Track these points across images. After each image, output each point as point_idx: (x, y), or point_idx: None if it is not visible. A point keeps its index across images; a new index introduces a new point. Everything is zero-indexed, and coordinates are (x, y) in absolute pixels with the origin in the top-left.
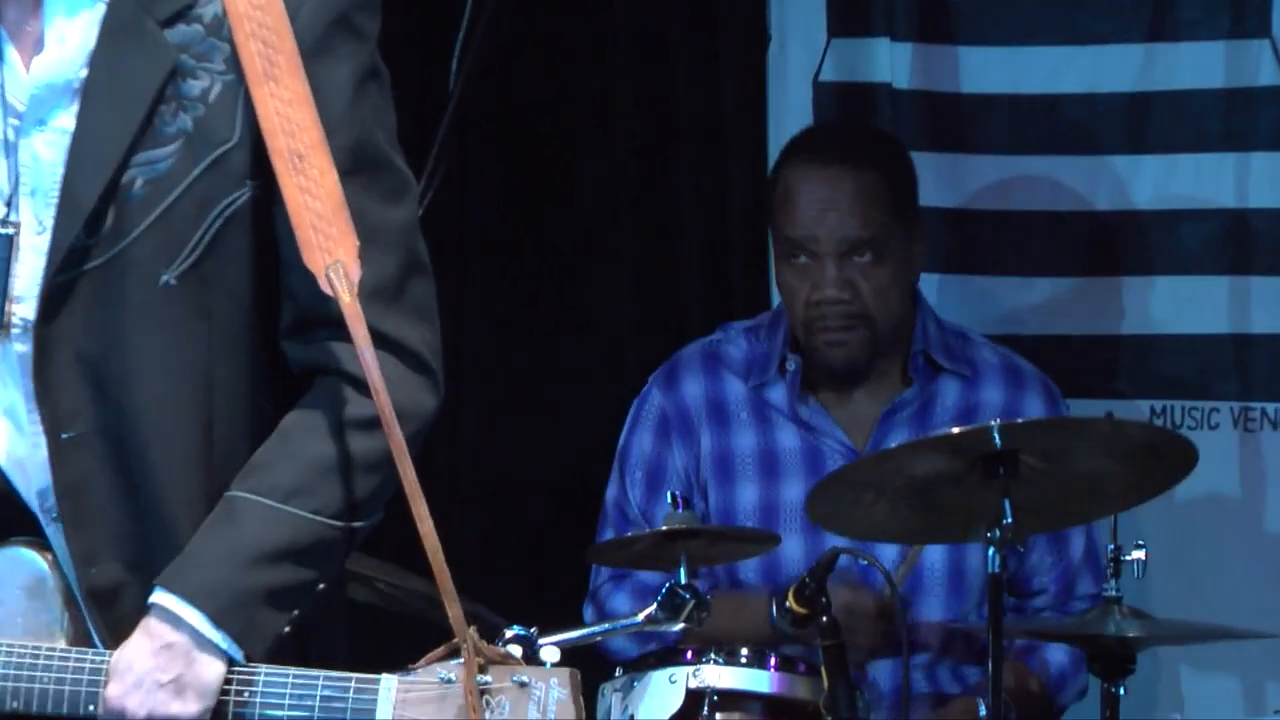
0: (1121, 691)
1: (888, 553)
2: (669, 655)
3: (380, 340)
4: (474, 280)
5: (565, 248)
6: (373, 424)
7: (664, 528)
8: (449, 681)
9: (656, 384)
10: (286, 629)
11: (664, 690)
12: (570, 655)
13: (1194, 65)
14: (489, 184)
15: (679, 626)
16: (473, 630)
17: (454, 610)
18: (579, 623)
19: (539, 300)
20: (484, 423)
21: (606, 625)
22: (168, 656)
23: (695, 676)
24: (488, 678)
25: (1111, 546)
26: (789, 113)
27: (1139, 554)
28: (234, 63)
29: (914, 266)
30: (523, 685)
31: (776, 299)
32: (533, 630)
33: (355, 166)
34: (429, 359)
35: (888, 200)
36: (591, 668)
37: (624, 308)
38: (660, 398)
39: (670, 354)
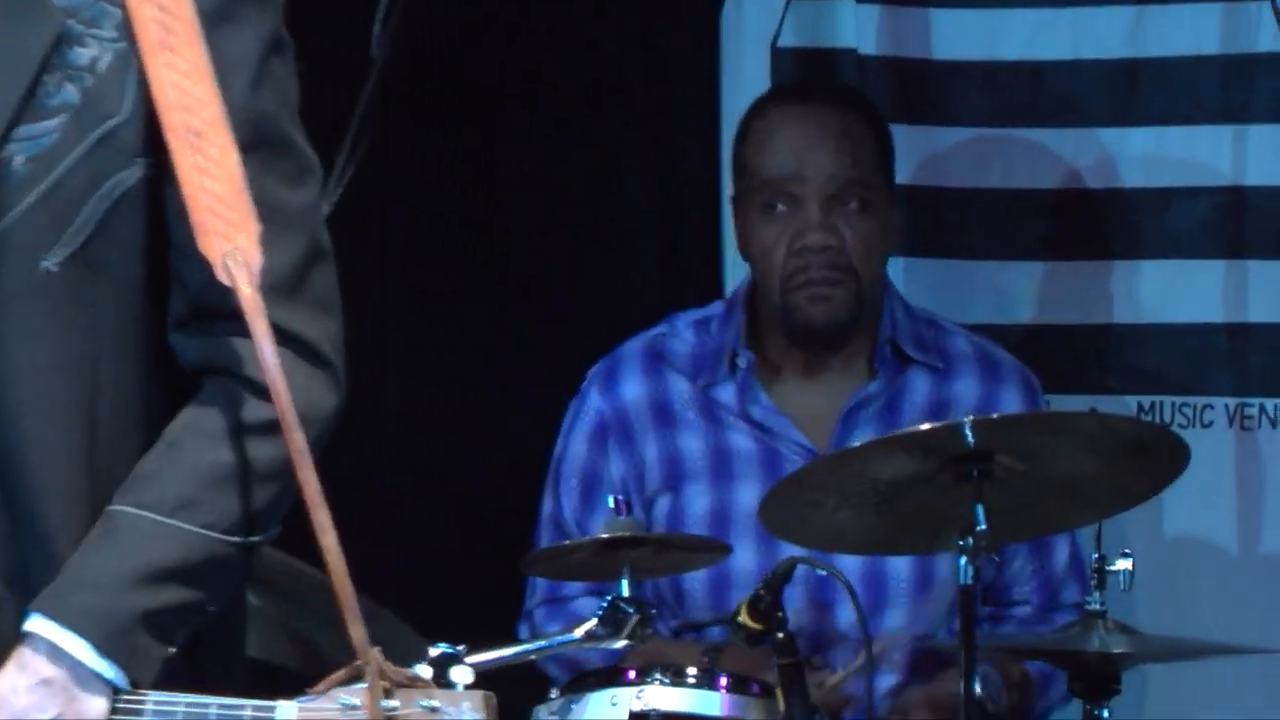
0: (1105, 714)
1: (850, 564)
2: (610, 675)
3: (279, 335)
4: (397, 264)
5: (497, 228)
6: (271, 428)
7: (604, 535)
8: (352, 707)
9: (594, 384)
10: (174, 651)
11: (604, 713)
12: (502, 676)
13: (1187, 30)
14: (414, 158)
15: (621, 643)
16: (377, 652)
17: (356, 630)
18: (513, 641)
19: (467, 288)
20: (405, 419)
21: (541, 642)
22: (45, 693)
23: (639, 698)
24: (394, 703)
25: (1095, 555)
26: (744, 81)
27: (1125, 564)
28: (126, 30)
29: (892, 237)
30: (433, 711)
31: (731, 284)
32: (460, 648)
33: (254, 145)
34: (330, 355)
35: (874, 147)
36: (525, 689)
37: (562, 293)
38: (598, 401)
39: (612, 343)
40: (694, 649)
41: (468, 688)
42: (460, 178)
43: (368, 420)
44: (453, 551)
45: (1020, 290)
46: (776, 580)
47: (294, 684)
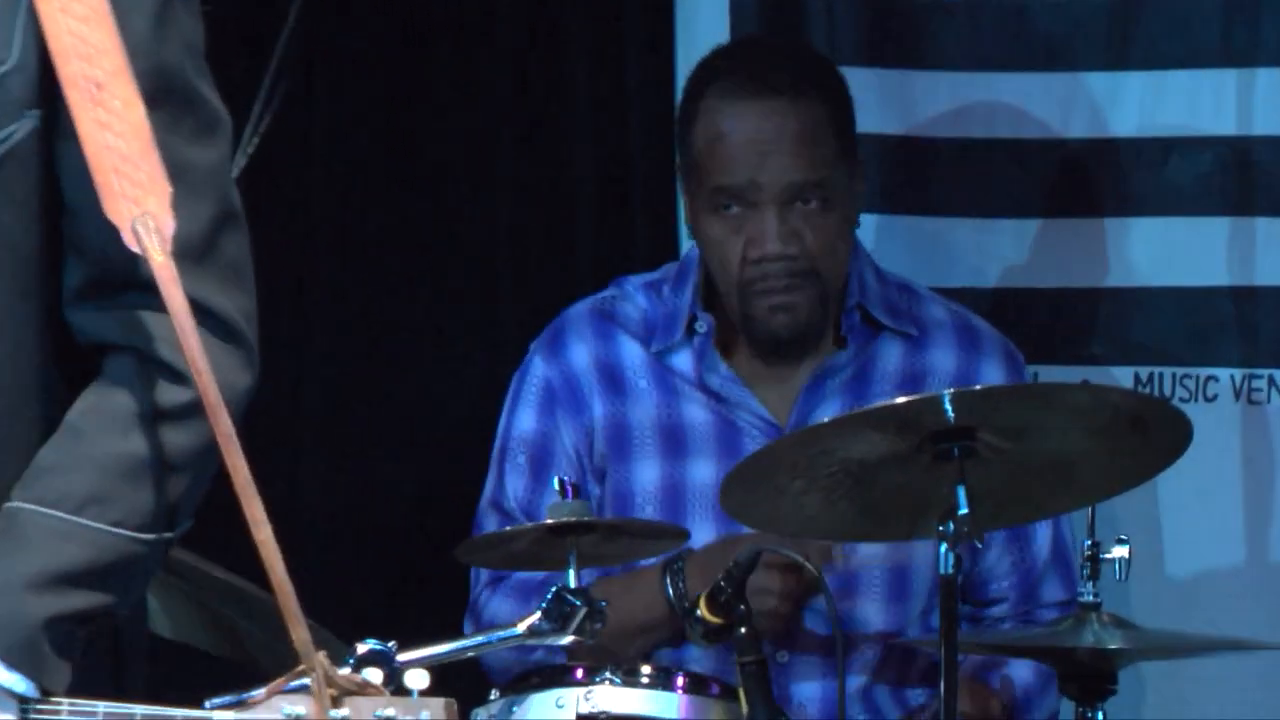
0: (1100, 716)
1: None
2: (555, 674)
3: (189, 307)
4: (319, 226)
5: (429, 186)
6: (186, 412)
7: (549, 521)
8: (296, 718)
9: (539, 352)
10: (82, 654)
11: (549, 715)
12: (443, 677)
13: None
14: (335, 108)
15: (568, 639)
16: (322, 655)
17: (298, 632)
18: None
19: (397, 251)
20: (330, 401)
21: (479, 638)
22: None
23: (587, 700)
24: (344, 711)
25: (1088, 542)
26: (700, 24)
27: (1121, 551)
28: None
29: (855, 212)
30: None
31: (685, 246)
32: (391, 645)
33: (158, 98)
34: (244, 328)
35: (834, 137)
36: (463, 690)
37: (500, 260)
38: (544, 368)
39: (557, 309)
40: (650, 575)
41: (423, 693)
42: (390, 130)
43: (287, 400)
44: (384, 541)
45: (1003, 251)
46: (740, 569)
47: (217, 671)
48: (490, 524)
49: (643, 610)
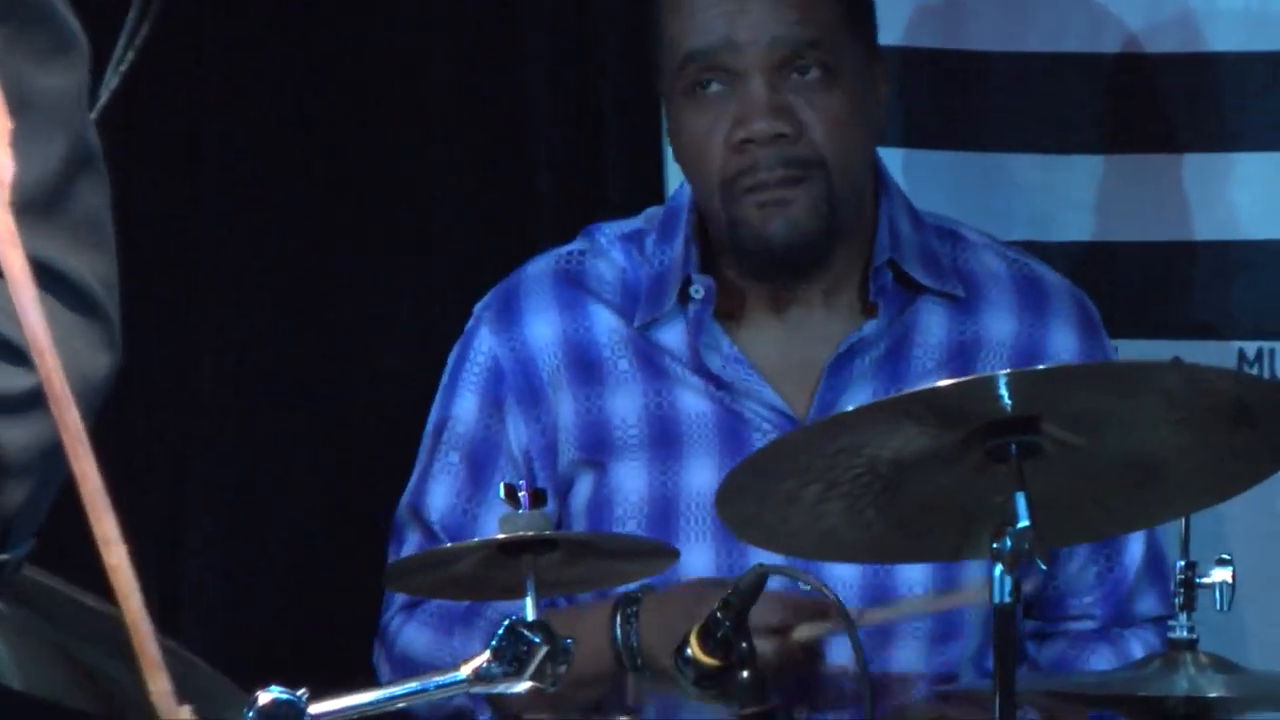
0: None
1: (843, 575)
2: None
3: (33, 270)
4: (211, 194)
5: (353, 121)
6: (24, 403)
7: (500, 536)
8: None
9: (486, 322)
10: None
11: None
12: None
13: None
14: (228, 37)
15: (523, 685)
16: (188, 712)
17: (157, 681)
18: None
19: (312, 204)
20: (225, 390)
21: (412, 685)
22: None
23: None
24: None
25: (1181, 563)
26: None
27: (1223, 574)
28: None
29: (876, 112)
30: None
31: (674, 184)
32: (300, 694)
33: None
34: (101, 298)
35: None
36: None
37: (436, 204)
38: (492, 343)
39: (509, 268)
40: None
41: None
42: (295, 80)
43: (170, 390)
44: (292, 562)
45: (1070, 196)
46: (740, 598)
47: None
48: (409, 536)
49: (591, 656)
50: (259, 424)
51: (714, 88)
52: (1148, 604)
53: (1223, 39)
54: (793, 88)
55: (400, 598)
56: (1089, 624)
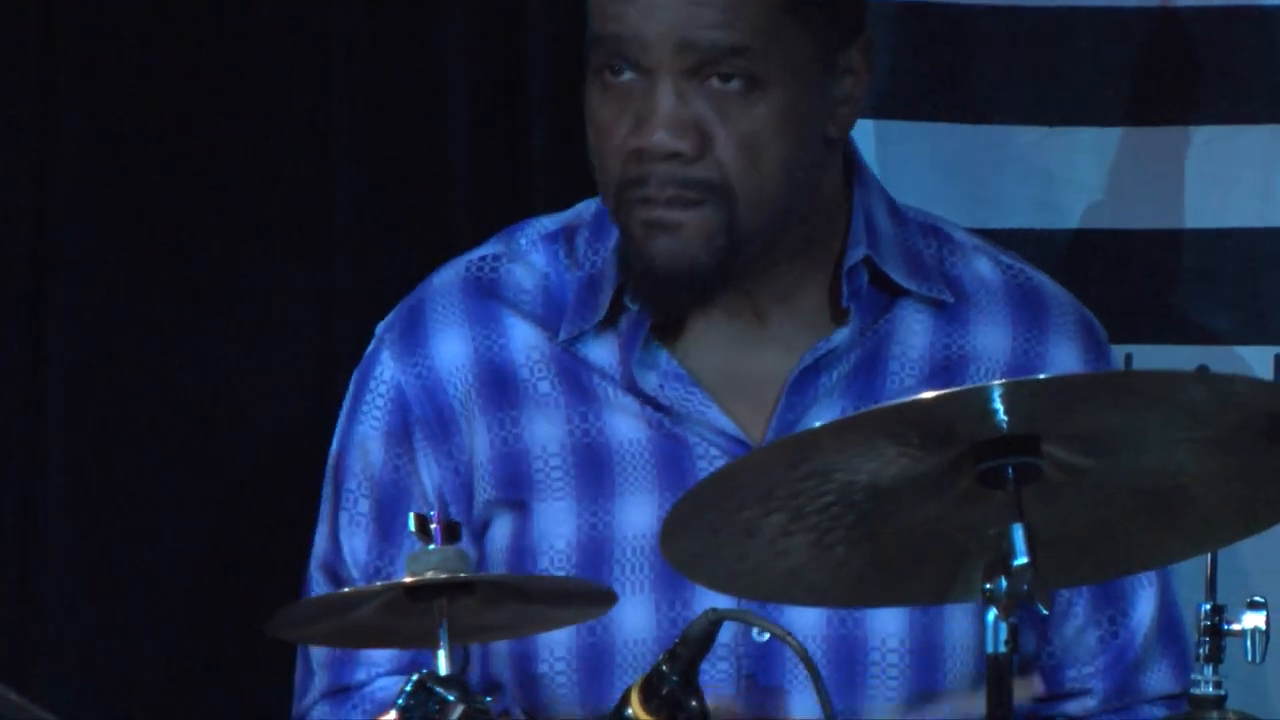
0: None
1: (809, 621)
2: None
3: None
4: (66, 188)
5: (234, 104)
6: None
7: (407, 578)
8: None
9: (388, 344)
10: None
11: None
12: None
13: None
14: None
15: None
16: None
17: None
18: None
19: (194, 202)
20: (82, 409)
21: None
22: None
23: None
24: None
25: (1206, 607)
26: None
27: (1255, 620)
28: None
29: (839, 111)
30: None
31: None
32: None
33: None
34: None
35: None
36: None
37: (333, 204)
38: (394, 369)
39: (417, 278)
40: None
41: None
42: (163, 59)
43: (17, 408)
44: (162, 608)
45: (1077, 175)
46: (688, 648)
47: None
48: (321, 591)
49: None
50: (123, 450)
51: (626, 75)
52: (1158, 678)
53: None
54: (707, 95)
55: (320, 680)
56: (1089, 702)
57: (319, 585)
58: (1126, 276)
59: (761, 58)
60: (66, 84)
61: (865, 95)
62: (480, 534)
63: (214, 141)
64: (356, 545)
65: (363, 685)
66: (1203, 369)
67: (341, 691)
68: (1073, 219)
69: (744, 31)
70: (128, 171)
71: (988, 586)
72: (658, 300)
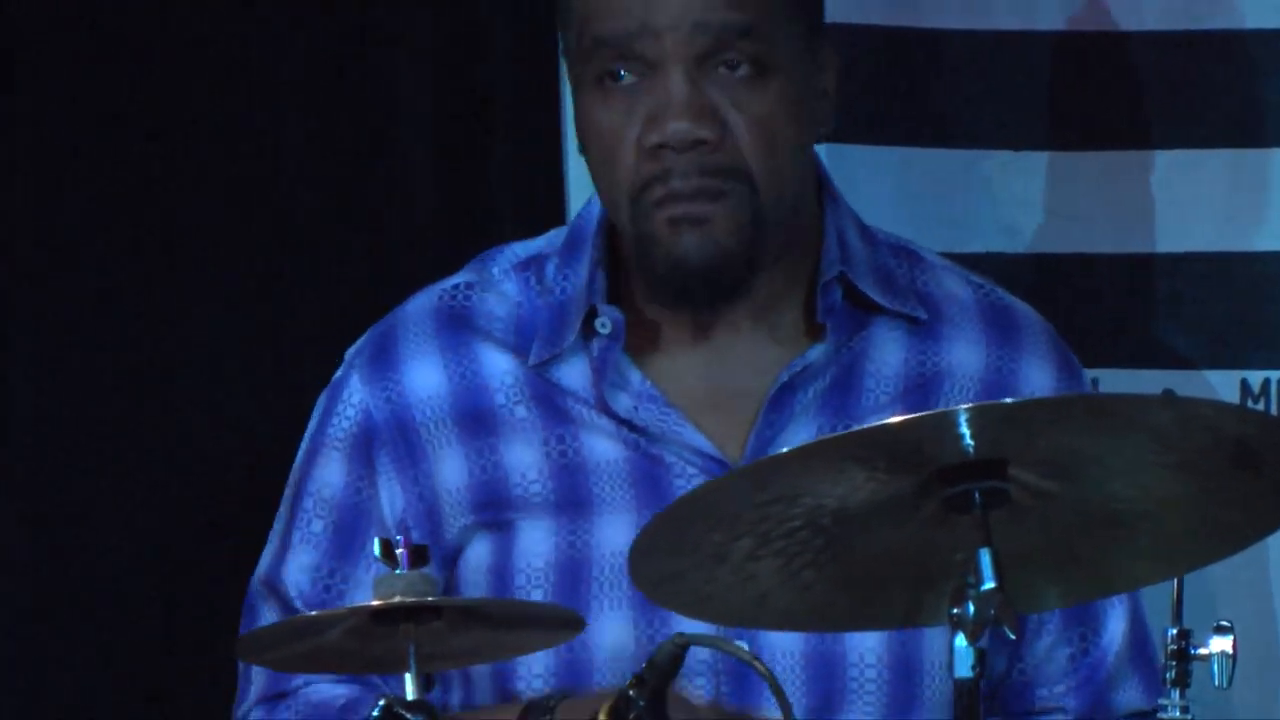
0: None
1: (781, 645)
2: None
3: None
4: (21, 201)
5: (196, 133)
6: None
7: (375, 602)
8: None
9: (358, 368)
10: None
11: None
12: None
13: None
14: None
15: None
16: None
17: None
18: None
19: (151, 226)
20: (37, 437)
21: None
22: None
23: None
24: None
25: (1173, 631)
26: None
27: (1222, 644)
28: None
29: (819, 107)
30: None
31: (576, 203)
32: None
33: None
34: None
35: None
36: None
37: (296, 226)
38: (364, 393)
39: (382, 305)
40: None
41: None
42: (124, 82)
43: None
44: (120, 629)
45: (1038, 200)
46: (655, 672)
47: None
48: (265, 615)
49: None
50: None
51: (627, 79)
52: (1130, 694)
53: (1254, 15)
54: (717, 83)
55: (257, 685)
56: (1061, 719)
57: (260, 600)
58: (1093, 301)
59: (767, 41)
60: (25, 92)
61: (837, 95)
62: (453, 559)
63: (173, 162)
64: (304, 565)
65: (298, 690)
66: (1169, 393)
67: (278, 697)
68: (1039, 243)
69: (751, 12)
70: (86, 190)
71: (954, 611)
72: (691, 300)
